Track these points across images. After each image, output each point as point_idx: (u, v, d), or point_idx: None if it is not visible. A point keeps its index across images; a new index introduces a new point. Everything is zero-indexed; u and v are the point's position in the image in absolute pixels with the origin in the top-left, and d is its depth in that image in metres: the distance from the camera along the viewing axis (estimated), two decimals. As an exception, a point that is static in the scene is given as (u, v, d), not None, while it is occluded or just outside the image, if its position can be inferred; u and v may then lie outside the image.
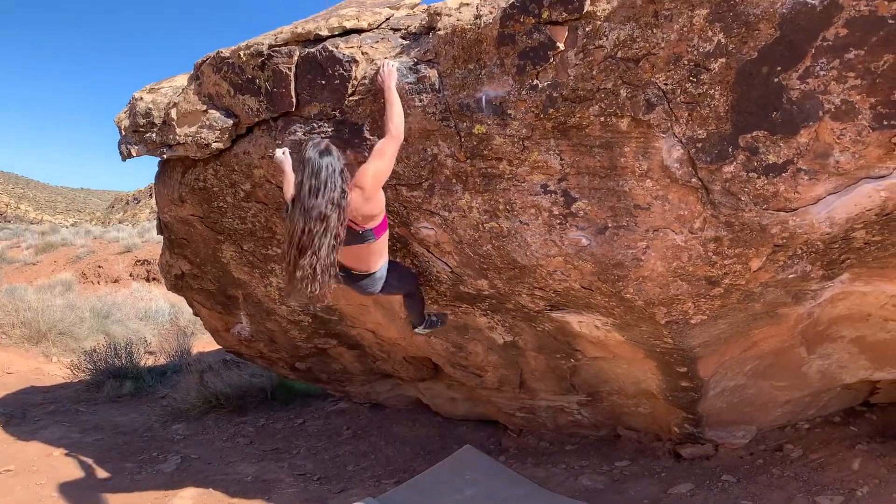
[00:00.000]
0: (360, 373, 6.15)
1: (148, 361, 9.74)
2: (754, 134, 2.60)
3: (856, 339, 3.87)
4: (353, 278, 3.49)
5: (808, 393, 4.36)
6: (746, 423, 4.57)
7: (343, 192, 3.01)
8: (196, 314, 6.36)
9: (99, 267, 19.43)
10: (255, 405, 7.22)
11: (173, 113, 4.09)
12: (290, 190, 3.36)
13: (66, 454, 5.72)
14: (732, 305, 3.35)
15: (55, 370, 9.48)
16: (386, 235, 3.43)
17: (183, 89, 4.18)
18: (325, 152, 3.01)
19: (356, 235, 3.23)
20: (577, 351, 4.30)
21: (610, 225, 3.12)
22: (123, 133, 4.45)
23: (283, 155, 3.60)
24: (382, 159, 3.13)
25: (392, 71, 3.27)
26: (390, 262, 3.64)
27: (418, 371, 5.67)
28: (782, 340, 3.85)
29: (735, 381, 4.21)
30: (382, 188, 3.21)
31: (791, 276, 3.12)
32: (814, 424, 4.63)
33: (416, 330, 4.29)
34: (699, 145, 2.72)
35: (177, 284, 5.76)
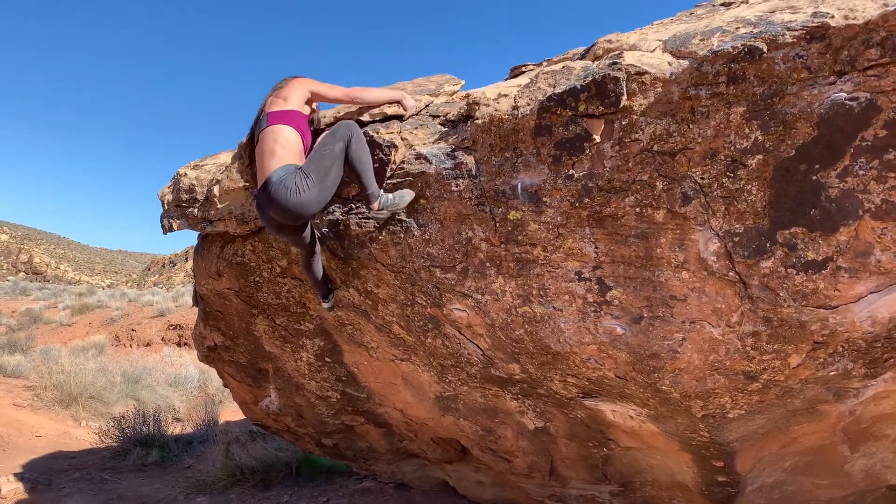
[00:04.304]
0: (387, 451, 6.05)
1: (175, 429, 9.71)
2: (793, 230, 2.58)
3: (901, 439, 3.71)
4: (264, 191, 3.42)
5: (851, 492, 4.16)
6: (787, 522, 4.37)
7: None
8: (225, 385, 6.37)
9: (132, 330, 19.70)
10: (280, 480, 7.10)
11: (216, 189, 4.20)
12: None
13: (89, 525, 5.68)
14: (771, 401, 3.25)
15: (83, 434, 9.49)
16: (286, 131, 3.53)
17: (226, 167, 4.30)
18: None
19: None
20: (610, 440, 4.19)
21: (645, 315, 3.09)
22: (166, 207, 4.58)
23: None
24: (329, 87, 3.69)
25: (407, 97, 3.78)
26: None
27: (445, 452, 5.56)
28: (823, 437, 3.71)
29: (774, 478, 4.05)
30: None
31: (832, 373, 3.03)
32: (859, 526, 4.41)
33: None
34: (736, 239, 2.70)
35: (209, 356, 5.79)
